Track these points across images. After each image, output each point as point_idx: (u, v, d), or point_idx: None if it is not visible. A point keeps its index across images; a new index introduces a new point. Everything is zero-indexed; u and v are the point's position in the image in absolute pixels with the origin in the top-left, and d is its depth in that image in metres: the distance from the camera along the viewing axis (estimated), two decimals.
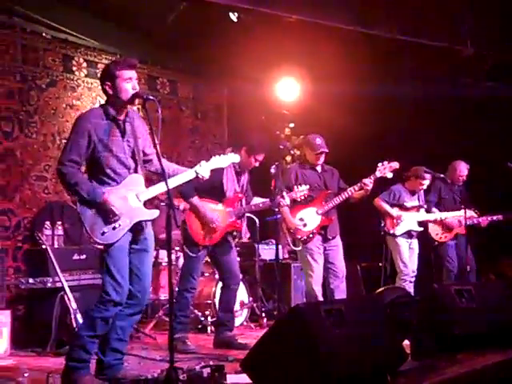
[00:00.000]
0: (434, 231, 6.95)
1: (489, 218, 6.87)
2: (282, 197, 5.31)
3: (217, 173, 4.61)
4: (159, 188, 4.06)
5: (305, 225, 5.78)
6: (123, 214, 3.92)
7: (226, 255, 5.58)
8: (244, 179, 5.67)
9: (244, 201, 5.63)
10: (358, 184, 5.72)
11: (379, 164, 5.77)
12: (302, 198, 5.60)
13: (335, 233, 5.88)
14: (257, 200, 5.70)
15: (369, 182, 5.67)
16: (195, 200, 5.37)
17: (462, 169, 7.00)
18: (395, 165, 5.81)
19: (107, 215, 3.89)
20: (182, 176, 4.17)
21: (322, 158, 5.88)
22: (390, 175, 5.90)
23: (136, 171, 4.07)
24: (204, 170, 4.23)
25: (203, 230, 5.43)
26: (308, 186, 5.60)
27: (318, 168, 5.93)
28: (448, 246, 6.96)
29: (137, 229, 4.04)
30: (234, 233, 5.66)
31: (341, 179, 6.03)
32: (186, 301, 5.49)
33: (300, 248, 5.80)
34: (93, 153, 3.94)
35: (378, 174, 5.74)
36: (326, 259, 5.81)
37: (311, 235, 5.76)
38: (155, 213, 4.10)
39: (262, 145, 5.56)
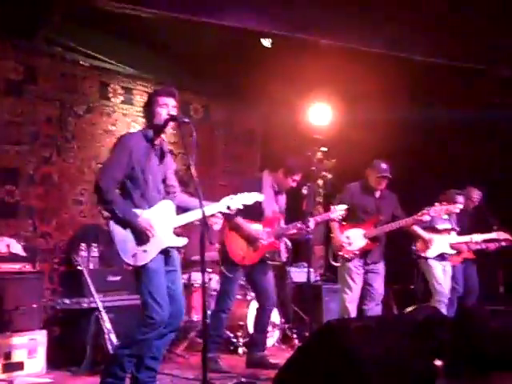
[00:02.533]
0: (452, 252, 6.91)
1: (496, 244, 6.81)
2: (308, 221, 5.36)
3: (255, 192, 4.65)
4: (190, 216, 4.16)
5: (350, 244, 5.82)
6: (154, 238, 4.00)
7: (263, 276, 5.60)
8: (282, 200, 5.73)
9: (283, 221, 5.67)
10: (411, 218, 5.81)
11: (437, 203, 5.82)
12: (339, 217, 5.63)
13: (377, 259, 5.91)
14: None
15: (424, 219, 5.76)
16: (238, 219, 5.39)
17: (476, 195, 7.12)
18: (453, 208, 5.89)
19: (141, 236, 3.96)
20: (212, 207, 4.24)
21: (384, 184, 5.92)
22: (445, 217, 6.13)
23: (164, 198, 4.16)
24: (233, 204, 4.32)
25: (243, 251, 5.47)
26: (346, 206, 5.64)
27: (377, 193, 5.96)
28: (456, 269, 6.90)
29: (167, 251, 4.12)
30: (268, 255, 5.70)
31: (399, 206, 6.06)
32: (220, 321, 5.51)
33: (339, 264, 5.84)
34: (131, 172, 4.03)
35: (432, 213, 5.79)
36: (366, 281, 5.84)
37: (352, 255, 5.79)
38: (184, 240, 4.18)
39: (299, 165, 5.64)
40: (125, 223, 3.97)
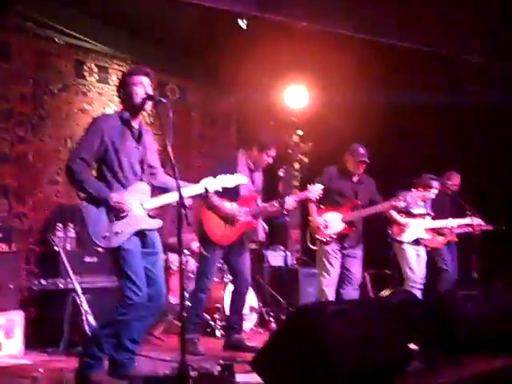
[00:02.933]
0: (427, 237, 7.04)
1: (482, 227, 6.93)
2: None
3: (230, 172, 4.61)
4: (165, 198, 4.15)
5: (326, 227, 5.86)
6: (126, 220, 3.99)
7: (240, 257, 5.61)
8: (258, 178, 5.70)
9: (259, 200, 5.66)
10: (388, 203, 5.90)
11: (413, 189, 5.92)
12: (317, 197, 5.64)
13: (355, 243, 5.96)
14: None
15: (400, 205, 5.86)
16: (214, 198, 5.37)
17: (456, 180, 7.20)
18: (429, 194, 6.08)
19: (115, 212, 3.94)
20: (191, 189, 4.22)
21: (362, 168, 5.96)
22: (420, 203, 6.25)
23: (142, 179, 4.15)
24: (212, 186, 4.30)
25: (220, 230, 5.45)
26: (322, 186, 5.65)
27: (355, 178, 6.00)
28: (443, 250, 7.06)
29: (143, 233, 4.12)
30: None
31: (377, 192, 6.12)
32: (199, 301, 5.53)
33: (316, 248, 5.89)
34: (104, 154, 4.02)
35: (409, 199, 5.89)
36: (343, 265, 5.90)
37: (329, 239, 5.84)
38: (158, 223, 4.18)
39: (272, 140, 5.62)
40: (98, 201, 3.96)
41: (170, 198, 4.13)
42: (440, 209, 7.00)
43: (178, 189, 3.80)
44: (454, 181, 7.22)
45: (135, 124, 4.15)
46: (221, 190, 4.38)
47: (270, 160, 5.61)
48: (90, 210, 3.97)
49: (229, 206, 5.45)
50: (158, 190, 4.30)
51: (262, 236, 5.93)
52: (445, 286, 7.00)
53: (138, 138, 4.16)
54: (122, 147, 4.04)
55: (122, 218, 3.98)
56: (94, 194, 3.95)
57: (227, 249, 5.55)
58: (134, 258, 4.03)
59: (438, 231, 6.90)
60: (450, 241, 7.03)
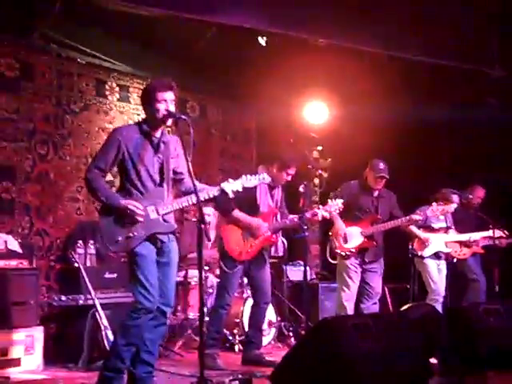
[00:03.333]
0: (453, 248, 6.96)
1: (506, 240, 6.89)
2: (313, 213, 5.38)
3: (250, 188, 4.55)
4: (180, 202, 4.15)
5: (346, 241, 5.84)
6: (140, 224, 4.01)
7: (260, 272, 5.60)
8: (277, 194, 5.70)
9: (279, 216, 5.66)
10: (407, 218, 5.89)
11: (434, 203, 5.92)
12: (337, 211, 5.62)
13: (375, 257, 5.95)
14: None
15: (418, 219, 5.84)
16: (236, 212, 5.38)
17: (479, 193, 7.17)
18: (449, 208, 6.00)
19: (126, 217, 3.97)
20: (208, 192, 4.18)
21: (382, 184, 5.96)
22: (441, 217, 6.31)
23: (161, 186, 4.16)
24: (230, 187, 4.22)
25: (239, 246, 5.46)
26: (342, 201, 5.62)
27: (375, 192, 5.99)
28: (469, 262, 7.03)
29: (160, 241, 4.12)
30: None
31: (397, 206, 6.11)
32: (219, 317, 5.52)
33: (336, 262, 5.90)
34: (122, 164, 4.08)
35: (429, 213, 5.91)
36: (363, 279, 5.89)
37: (348, 253, 5.83)
38: (172, 226, 4.19)
39: (294, 159, 5.64)
40: (109, 210, 4.01)
41: (185, 201, 4.13)
42: (463, 223, 6.96)
43: (199, 203, 3.83)
44: (478, 194, 7.19)
45: (156, 134, 4.18)
46: (241, 189, 4.27)
47: (289, 178, 5.63)
48: (103, 218, 4.05)
49: (254, 219, 5.44)
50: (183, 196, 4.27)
51: (281, 251, 5.91)
52: (476, 296, 6.97)
53: (157, 147, 4.16)
54: (139, 157, 4.08)
55: (135, 222, 3.99)
56: (105, 201, 4.03)
57: (247, 264, 5.55)
58: (148, 263, 4.04)
59: (463, 243, 6.86)
60: (476, 252, 6.99)
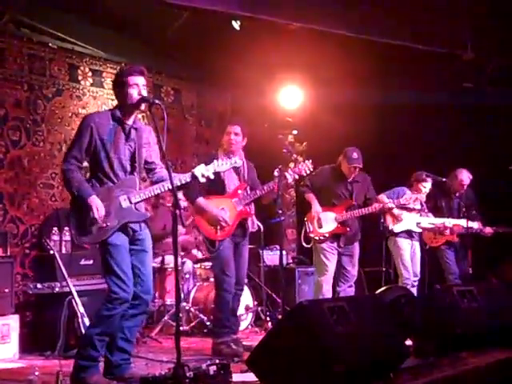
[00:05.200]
0: (427, 235, 7.02)
1: (493, 229, 6.92)
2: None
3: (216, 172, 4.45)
4: (152, 190, 4.14)
5: (320, 226, 5.86)
6: (112, 214, 4.01)
7: (237, 258, 5.50)
8: (243, 170, 5.52)
9: (248, 188, 5.53)
10: (380, 205, 6.00)
11: (408, 192, 6.24)
12: (307, 171, 5.45)
13: (350, 241, 5.98)
14: None
15: (391, 207, 6.00)
16: (200, 201, 5.32)
17: (464, 177, 6.98)
18: (422, 198, 6.36)
19: (91, 216, 3.96)
20: (180, 178, 4.17)
21: (355, 173, 5.96)
22: (417, 206, 6.45)
23: (132, 174, 4.16)
24: (201, 171, 4.20)
25: (214, 227, 5.36)
26: (311, 161, 5.47)
27: (350, 178, 6.00)
28: (445, 250, 7.04)
29: (132, 230, 4.13)
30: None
31: (371, 188, 6.13)
32: (225, 302, 5.32)
33: (309, 246, 5.94)
34: (94, 151, 4.06)
35: (402, 201, 6.11)
36: (339, 262, 5.92)
37: (322, 238, 5.86)
38: (145, 215, 4.20)
39: (231, 120, 5.58)
40: (80, 202, 3.99)
41: (157, 189, 4.12)
42: (443, 209, 6.98)
43: (173, 189, 3.82)
44: (460, 178, 6.97)
45: (128, 121, 4.16)
46: (212, 176, 4.26)
47: (233, 137, 5.41)
48: (75, 209, 4.03)
49: (215, 209, 5.33)
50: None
51: (255, 226, 5.77)
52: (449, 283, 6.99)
53: (129, 134, 4.14)
54: (111, 144, 4.07)
55: (94, 223, 3.96)
56: (76, 193, 4.01)
57: (231, 241, 5.41)
58: (121, 253, 4.04)
59: (438, 231, 6.90)
60: (450, 240, 7.00)
